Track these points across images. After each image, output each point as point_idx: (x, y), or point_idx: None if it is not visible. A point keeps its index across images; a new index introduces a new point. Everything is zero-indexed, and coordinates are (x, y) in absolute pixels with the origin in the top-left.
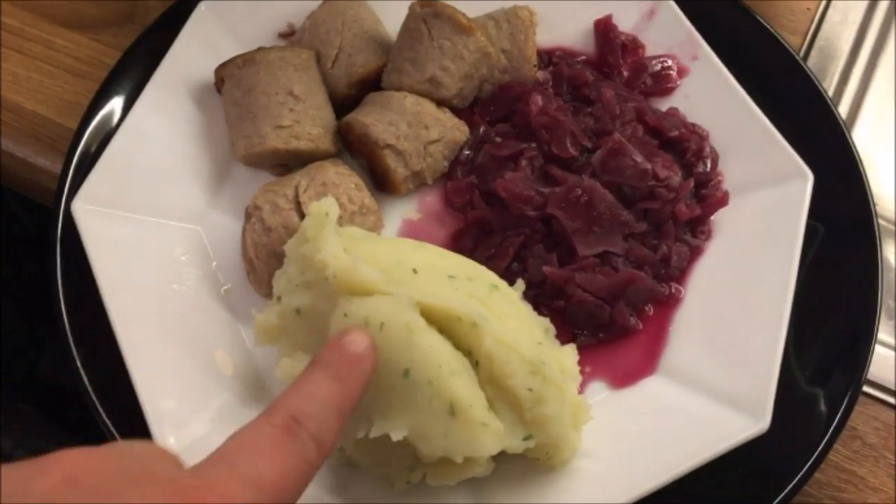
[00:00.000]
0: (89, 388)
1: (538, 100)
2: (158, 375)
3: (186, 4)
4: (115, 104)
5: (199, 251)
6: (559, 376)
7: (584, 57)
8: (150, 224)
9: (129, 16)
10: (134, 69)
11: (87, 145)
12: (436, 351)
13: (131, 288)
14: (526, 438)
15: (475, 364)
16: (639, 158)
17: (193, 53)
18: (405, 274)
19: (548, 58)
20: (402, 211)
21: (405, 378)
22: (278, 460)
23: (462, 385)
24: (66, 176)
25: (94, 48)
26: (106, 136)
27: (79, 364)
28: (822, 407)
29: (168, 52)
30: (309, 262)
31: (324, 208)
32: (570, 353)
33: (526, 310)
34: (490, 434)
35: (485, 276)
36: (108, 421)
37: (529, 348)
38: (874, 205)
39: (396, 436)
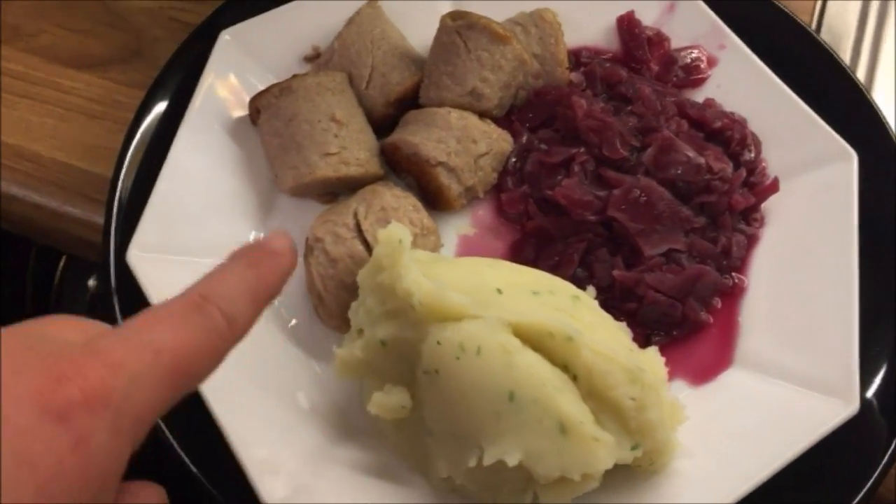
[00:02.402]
0: (175, 444)
1: (582, 103)
2: (246, 421)
3: (199, 37)
4: (147, 145)
5: None
6: (656, 381)
7: (610, 54)
8: (205, 266)
9: (135, 51)
10: (159, 107)
11: (124, 191)
12: (537, 370)
13: None
14: (634, 447)
15: (573, 378)
16: (691, 153)
17: (222, 85)
18: (490, 294)
19: (575, 59)
20: (456, 227)
21: (511, 401)
22: (181, 331)
23: (568, 401)
24: (110, 225)
25: (104, 87)
26: (139, 179)
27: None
28: None
29: (197, 86)
30: (389, 291)
31: (396, 235)
32: (655, 355)
33: (608, 317)
34: (603, 448)
35: (565, 288)
36: (199, 474)
37: (625, 356)
38: None
39: (512, 461)
